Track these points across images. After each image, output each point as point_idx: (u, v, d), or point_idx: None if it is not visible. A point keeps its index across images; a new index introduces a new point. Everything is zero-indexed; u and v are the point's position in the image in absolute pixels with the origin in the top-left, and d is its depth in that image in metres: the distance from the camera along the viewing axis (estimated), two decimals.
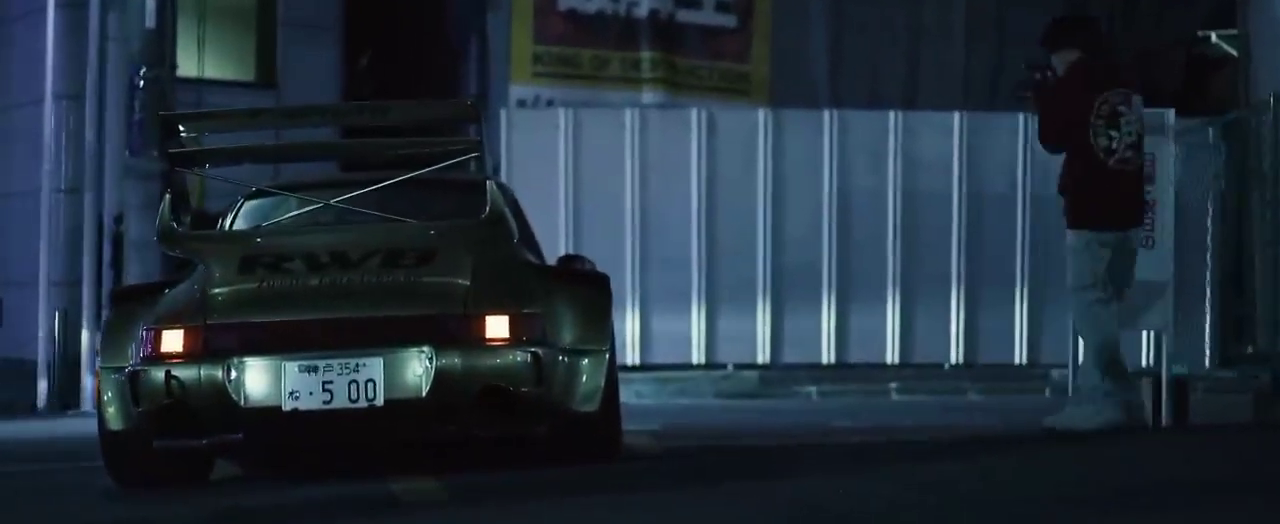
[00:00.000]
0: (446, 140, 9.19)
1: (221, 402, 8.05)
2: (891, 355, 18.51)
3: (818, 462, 9.20)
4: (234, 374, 8.06)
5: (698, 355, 18.33)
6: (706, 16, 21.74)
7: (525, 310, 8.31)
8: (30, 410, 18.12)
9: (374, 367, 8.07)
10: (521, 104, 20.68)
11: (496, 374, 8.13)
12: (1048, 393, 17.70)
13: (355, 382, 8.05)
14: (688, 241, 18.25)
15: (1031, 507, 6.68)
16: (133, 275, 17.37)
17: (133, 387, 8.17)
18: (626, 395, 14.08)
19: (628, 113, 18.75)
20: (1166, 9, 22.40)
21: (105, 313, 13.59)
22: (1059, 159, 10.09)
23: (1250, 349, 14.51)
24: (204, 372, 8.08)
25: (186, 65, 19.66)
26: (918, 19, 22.35)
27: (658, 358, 18.22)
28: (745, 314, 18.28)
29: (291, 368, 8.06)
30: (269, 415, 8.07)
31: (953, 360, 18.62)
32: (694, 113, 18.79)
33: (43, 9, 19.19)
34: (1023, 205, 18.54)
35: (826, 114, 18.85)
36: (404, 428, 8.22)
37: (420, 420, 8.15)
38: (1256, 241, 14.48)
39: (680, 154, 18.27)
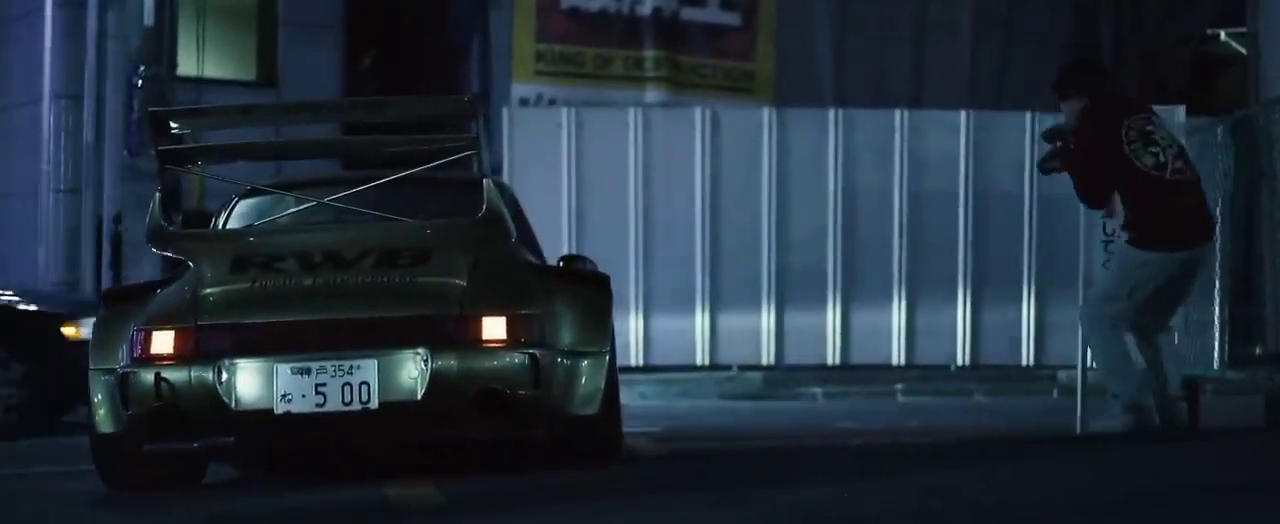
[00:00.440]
0: (443, 137, 9.05)
1: (212, 404, 7.92)
2: (897, 356, 18.38)
3: (821, 465, 9.08)
4: (225, 376, 7.93)
5: (702, 356, 18.22)
6: (710, 14, 21.65)
7: (523, 311, 8.18)
8: None
9: (368, 369, 7.94)
10: (524, 103, 20.60)
11: (493, 376, 8.00)
12: (1055, 394, 17.63)
13: (349, 384, 7.92)
14: (691, 241, 18.14)
15: (1038, 512, 6.57)
16: (132, 275, 17.27)
17: (123, 389, 8.06)
18: (629, 397, 14.02)
19: (631, 112, 18.64)
20: (1174, 7, 22.29)
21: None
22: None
23: (1259, 350, 14.37)
24: (194, 373, 7.95)
25: (186, 64, 19.57)
26: (923, 17, 22.28)
27: (661, 359, 18.11)
28: (749, 314, 18.16)
29: (284, 370, 7.93)
30: (261, 418, 7.95)
31: (959, 361, 18.49)
32: (698, 111, 18.68)
33: (41, 8, 19.13)
34: (1030, 205, 18.40)
35: (831, 113, 18.73)
36: (399, 431, 8.10)
37: (415, 424, 8.02)
38: (1265, 241, 14.34)
39: (684, 153, 18.17)
